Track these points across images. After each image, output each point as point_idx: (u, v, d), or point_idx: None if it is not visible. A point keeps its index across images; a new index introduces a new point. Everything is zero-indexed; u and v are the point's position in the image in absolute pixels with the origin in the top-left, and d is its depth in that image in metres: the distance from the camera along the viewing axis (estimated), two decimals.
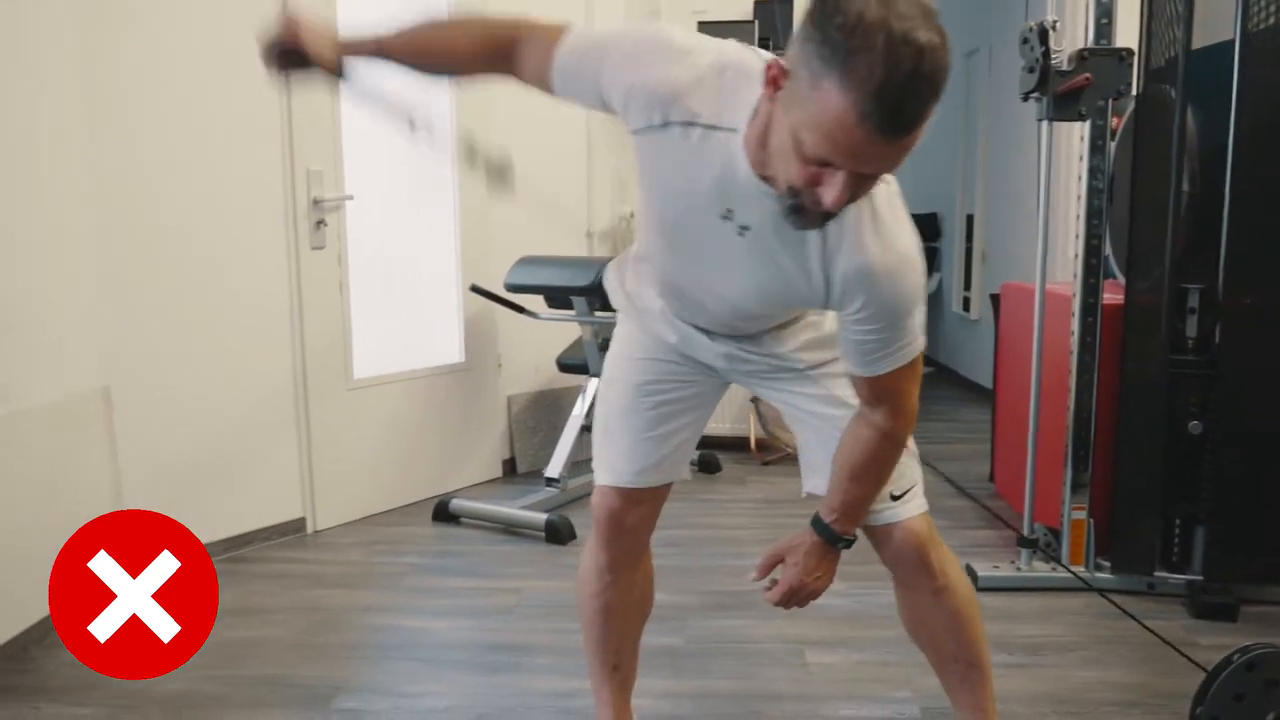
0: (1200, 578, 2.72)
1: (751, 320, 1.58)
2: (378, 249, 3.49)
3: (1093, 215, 2.73)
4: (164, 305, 2.92)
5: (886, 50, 1.03)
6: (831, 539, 1.54)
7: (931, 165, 6.72)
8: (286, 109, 3.12)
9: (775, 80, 1.15)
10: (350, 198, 3.30)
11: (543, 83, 1.41)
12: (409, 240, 3.66)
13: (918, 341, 1.41)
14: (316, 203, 3.21)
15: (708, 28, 4.14)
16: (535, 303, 3.74)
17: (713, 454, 4.21)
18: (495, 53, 1.44)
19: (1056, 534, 2.89)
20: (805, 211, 1.19)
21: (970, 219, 6.23)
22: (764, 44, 4.15)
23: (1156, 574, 2.77)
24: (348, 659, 2.46)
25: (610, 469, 1.70)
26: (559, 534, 3.26)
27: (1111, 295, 2.82)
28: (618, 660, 1.86)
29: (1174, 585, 2.75)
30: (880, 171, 1.15)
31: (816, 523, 1.55)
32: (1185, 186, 2.64)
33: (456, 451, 3.86)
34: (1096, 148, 2.71)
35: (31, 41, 2.50)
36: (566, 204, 4.29)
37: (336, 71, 1.48)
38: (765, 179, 1.24)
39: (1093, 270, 2.75)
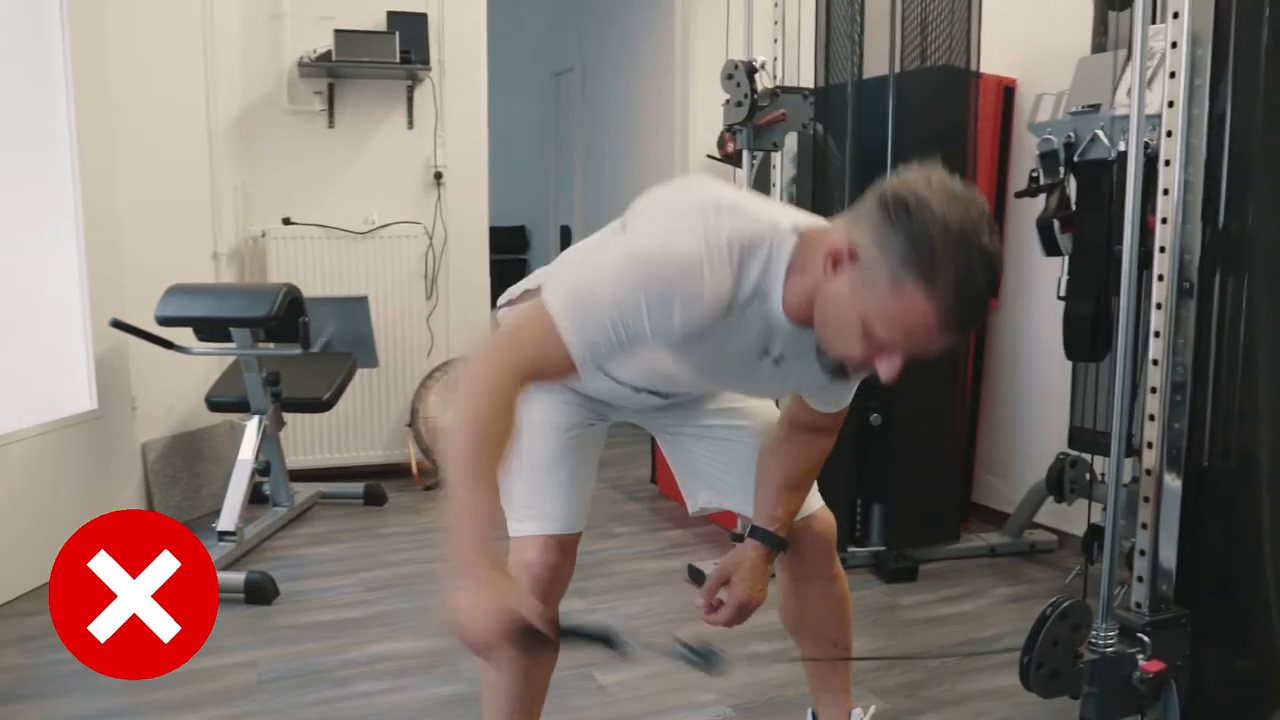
0: (883, 548, 3.15)
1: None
2: None
3: None
4: None
5: (969, 262, 1.14)
6: (779, 546, 1.65)
7: (519, 181, 6.90)
8: None
9: (838, 262, 1.21)
10: None
11: (571, 377, 1.27)
12: (21, 265, 3.03)
13: None
14: None
15: (343, 36, 3.95)
16: (183, 336, 3.31)
17: (376, 484, 3.98)
18: (526, 386, 1.25)
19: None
20: (847, 371, 1.31)
21: (566, 229, 6.50)
22: (405, 57, 4.01)
23: (848, 549, 3.16)
24: None
25: (550, 518, 1.59)
26: (263, 593, 2.91)
27: None
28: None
29: (862, 557, 3.16)
30: (932, 354, 1.24)
31: (762, 534, 1.64)
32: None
33: (94, 514, 3.26)
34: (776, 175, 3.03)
35: None
36: (188, 221, 3.83)
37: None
38: (801, 323, 1.31)
39: None
